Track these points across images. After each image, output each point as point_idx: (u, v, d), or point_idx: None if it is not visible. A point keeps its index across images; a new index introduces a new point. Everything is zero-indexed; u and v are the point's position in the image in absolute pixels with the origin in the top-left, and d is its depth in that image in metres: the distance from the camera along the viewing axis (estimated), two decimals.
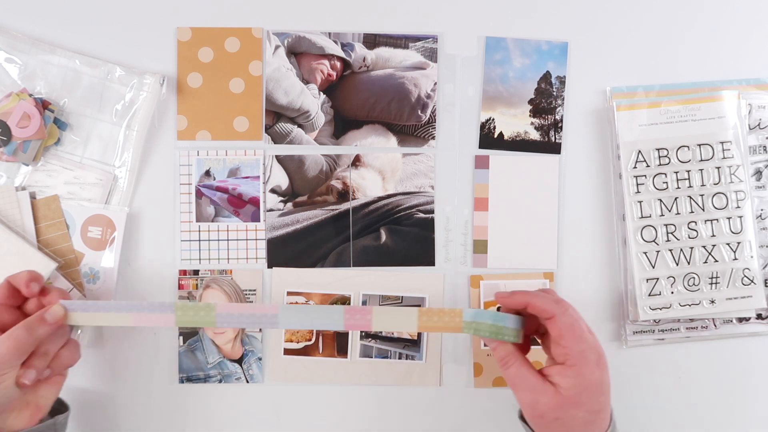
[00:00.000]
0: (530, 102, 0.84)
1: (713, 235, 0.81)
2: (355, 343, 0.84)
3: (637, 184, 0.82)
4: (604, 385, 0.66)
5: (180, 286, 0.83)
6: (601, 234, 0.84)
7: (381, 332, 0.84)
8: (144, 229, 0.83)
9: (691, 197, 0.82)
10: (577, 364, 0.64)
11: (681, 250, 0.82)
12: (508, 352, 0.68)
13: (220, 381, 0.84)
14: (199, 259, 0.84)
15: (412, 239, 0.84)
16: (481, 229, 0.84)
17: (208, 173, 0.84)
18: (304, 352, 0.84)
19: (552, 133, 0.84)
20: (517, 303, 0.69)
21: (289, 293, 0.84)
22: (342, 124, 0.84)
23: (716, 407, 0.85)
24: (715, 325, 0.83)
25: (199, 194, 0.84)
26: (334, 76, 0.84)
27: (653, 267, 0.81)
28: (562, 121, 0.84)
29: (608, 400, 0.67)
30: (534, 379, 0.66)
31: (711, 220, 0.81)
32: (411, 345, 0.84)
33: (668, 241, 0.82)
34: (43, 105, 0.79)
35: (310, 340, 0.84)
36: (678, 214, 0.82)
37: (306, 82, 0.83)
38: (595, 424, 0.65)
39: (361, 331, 0.84)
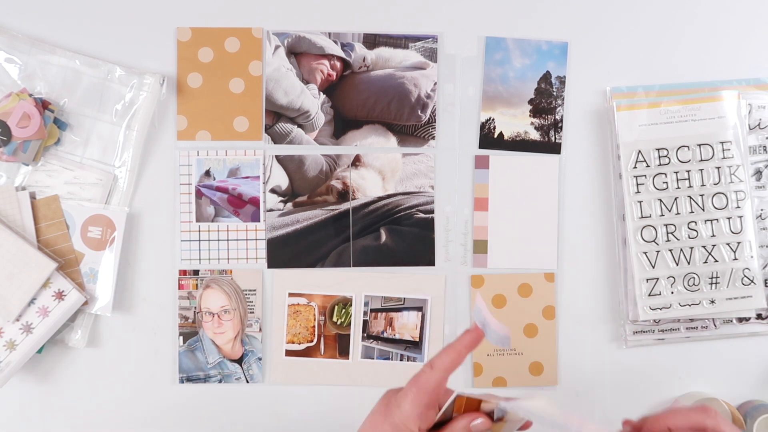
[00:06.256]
0: (530, 102, 0.84)
1: (713, 235, 0.81)
2: (356, 344, 0.84)
3: (637, 184, 0.82)
4: None
5: (180, 286, 0.83)
6: (601, 234, 0.85)
7: (383, 333, 0.84)
8: (144, 229, 0.83)
9: (691, 197, 0.82)
10: None
11: (681, 250, 0.82)
12: None
13: (220, 381, 0.84)
14: (199, 259, 0.84)
15: (412, 239, 0.84)
16: (481, 229, 0.84)
17: (208, 173, 0.83)
18: (306, 353, 0.84)
19: (552, 133, 0.84)
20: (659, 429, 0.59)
21: (291, 294, 0.84)
22: (342, 124, 0.84)
23: None
24: (715, 325, 0.83)
25: (199, 194, 0.83)
26: (334, 76, 0.84)
27: (653, 267, 0.81)
28: (562, 121, 0.84)
29: None
30: None
31: (711, 220, 0.81)
32: (412, 346, 0.84)
33: (668, 241, 0.82)
34: (43, 105, 0.79)
35: (311, 341, 0.84)
36: (678, 214, 0.82)
37: (306, 82, 0.83)
38: None
39: (363, 332, 0.84)
